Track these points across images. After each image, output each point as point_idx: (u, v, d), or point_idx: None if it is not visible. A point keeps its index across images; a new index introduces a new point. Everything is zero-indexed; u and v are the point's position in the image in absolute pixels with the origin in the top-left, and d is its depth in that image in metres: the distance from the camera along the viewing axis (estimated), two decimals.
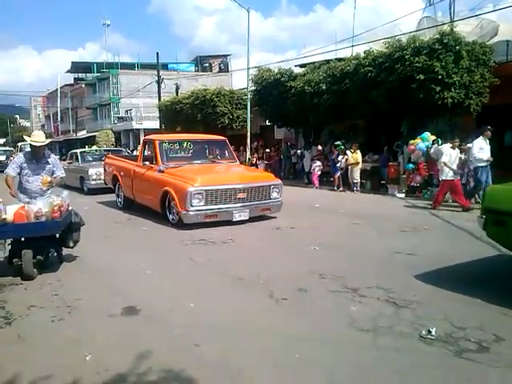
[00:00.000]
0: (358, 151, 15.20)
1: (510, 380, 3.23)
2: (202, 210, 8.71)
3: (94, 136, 42.21)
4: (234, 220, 8.94)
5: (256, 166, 19.84)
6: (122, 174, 11.61)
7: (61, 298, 4.96)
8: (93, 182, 15.23)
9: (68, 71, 60.26)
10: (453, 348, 3.64)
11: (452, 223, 9.04)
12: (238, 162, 11.24)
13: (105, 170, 13.18)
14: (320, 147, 18.09)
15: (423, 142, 13.04)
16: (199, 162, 10.30)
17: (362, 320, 4.23)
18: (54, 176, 6.42)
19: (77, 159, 17.27)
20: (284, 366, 3.46)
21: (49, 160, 6.45)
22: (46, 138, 6.57)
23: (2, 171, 27.37)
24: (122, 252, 7.27)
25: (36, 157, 6.33)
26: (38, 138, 6.29)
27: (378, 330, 4.00)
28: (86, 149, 21.73)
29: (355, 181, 15.09)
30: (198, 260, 6.58)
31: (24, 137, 6.85)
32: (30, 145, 6.30)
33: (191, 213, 8.61)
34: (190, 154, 10.56)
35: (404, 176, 13.98)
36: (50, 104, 66.97)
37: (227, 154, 11.01)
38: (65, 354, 3.68)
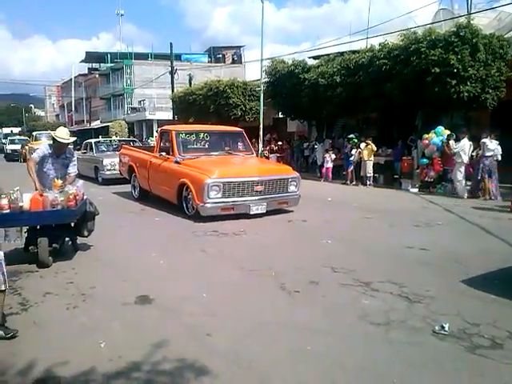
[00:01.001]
0: (372, 144, 15.05)
1: None
2: (218, 203, 8.65)
3: (108, 126, 42.45)
4: (251, 213, 8.85)
5: (268, 158, 19.80)
6: (137, 164, 11.63)
7: (75, 286, 5.03)
8: (107, 173, 15.21)
9: (82, 61, 60.58)
10: (466, 344, 3.63)
11: (466, 219, 8.96)
12: (254, 155, 11.19)
13: (120, 160, 13.19)
14: (330, 140, 18.07)
15: (437, 136, 12.91)
16: (216, 153, 10.21)
17: (374, 314, 4.23)
18: (69, 172, 6.44)
19: (91, 149, 17.25)
20: (295, 357, 3.48)
21: (68, 156, 6.47)
22: (71, 135, 6.55)
23: (18, 160, 27.80)
24: (135, 242, 7.34)
25: (57, 152, 6.36)
26: (64, 135, 6.27)
27: (391, 324, 4.00)
28: (101, 139, 21.78)
29: (368, 175, 14.99)
30: (210, 251, 6.61)
31: (50, 132, 6.83)
32: (54, 139, 6.29)
33: (208, 205, 8.57)
34: (206, 146, 10.46)
35: (418, 171, 13.86)
36: (65, 94, 67.41)
37: (244, 146, 10.92)
38: (79, 340, 3.74)
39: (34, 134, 32.25)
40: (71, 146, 6.83)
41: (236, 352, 3.54)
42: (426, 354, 3.51)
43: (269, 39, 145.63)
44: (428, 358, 3.44)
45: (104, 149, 17.38)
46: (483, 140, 11.67)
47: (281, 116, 23.21)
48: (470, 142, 12.33)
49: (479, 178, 11.70)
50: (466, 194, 11.91)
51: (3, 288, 3.76)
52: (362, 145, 15.17)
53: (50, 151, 6.31)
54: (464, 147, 11.97)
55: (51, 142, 6.47)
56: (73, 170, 6.51)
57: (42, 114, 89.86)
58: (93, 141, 18.54)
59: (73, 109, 62.45)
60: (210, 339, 3.76)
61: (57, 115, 78.13)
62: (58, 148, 6.31)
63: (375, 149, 15.02)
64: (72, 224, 6.35)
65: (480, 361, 3.39)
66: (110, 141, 19.75)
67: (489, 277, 5.28)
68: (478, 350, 3.53)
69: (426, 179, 13.28)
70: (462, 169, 11.96)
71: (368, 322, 4.07)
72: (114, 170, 14.59)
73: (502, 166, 11.82)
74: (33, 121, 75.60)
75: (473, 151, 12.27)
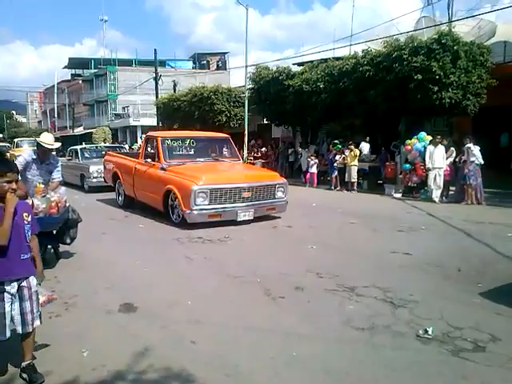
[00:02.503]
0: (355, 149, 15.16)
1: (506, 379, 3.25)
2: (205, 210, 8.55)
3: (91, 133, 42.13)
4: (239, 220, 8.79)
5: (253, 164, 19.81)
6: (122, 171, 11.48)
7: (58, 295, 4.92)
8: (94, 180, 14.83)
9: (65, 67, 60.05)
10: (449, 347, 3.66)
11: (449, 223, 9.07)
12: (241, 161, 11.13)
13: (105, 167, 12.99)
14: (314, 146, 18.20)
15: (419, 142, 13.07)
16: (202, 159, 10.13)
17: (358, 319, 4.25)
18: (53, 178, 6.35)
19: (77, 156, 16.73)
20: (280, 363, 3.47)
21: (52, 161, 6.39)
22: (56, 141, 6.48)
23: None
24: (118, 249, 7.27)
25: (42, 157, 6.28)
26: (49, 140, 6.20)
27: (375, 329, 4.02)
28: (86, 145, 21.42)
29: (353, 180, 15.10)
30: (195, 258, 6.58)
31: (36, 139, 6.74)
32: (39, 145, 6.20)
33: (195, 212, 8.48)
34: (192, 152, 10.37)
35: (401, 176, 13.99)
36: (47, 100, 66.74)
37: (230, 152, 10.86)
38: (62, 350, 3.68)
39: (16, 140, 31.83)
40: (54, 153, 6.75)
41: (221, 359, 3.53)
42: (410, 357, 3.53)
43: (253, 46, 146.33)
44: (412, 362, 3.46)
45: (90, 155, 16.87)
46: (468, 145, 11.77)
47: (265, 122, 23.29)
48: (453, 148, 12.51)
49: (465, 182, 11.78)
50: (438, 199, 12.08)
51: (30, 330, 3.24)
52: (347, 151, 15.27)
53: (33, 157, 6.23)
54: (434, 153, 12.11)
55: (35, 148, 6.39)
56: (57, 176, 6.42)
57: (24, 120, 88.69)
58: (78, 147, 18.01)
59: (55, 115, 61.84)
60: (195, 346, 3.74)
61: (39, 121, 77.20)
62: (42, 154, 6.24)
63: (358, 153, 15.15)
64: (54, 231, 6.27)
65: (463, 364, 3.42)
66: (97, 147, 19.42)
67: (470, 280, 5.35)
68: (461, 354, 3.56)
69: (410, 184, 13.42)
70: (432, 174, 12.10)
71: (353, 327, 4.09)
72: (101, 177, 14.29)
73: (483, 171, 11.99)
74: (14, 127, 74.57)
75: (456, 157, 12.43)
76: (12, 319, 3.16)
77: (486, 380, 3.21)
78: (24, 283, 3.18)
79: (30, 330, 3.25)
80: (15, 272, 3.12)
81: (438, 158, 12.17)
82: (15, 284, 3.12)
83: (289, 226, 8.92)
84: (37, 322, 3.28)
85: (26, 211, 3.22)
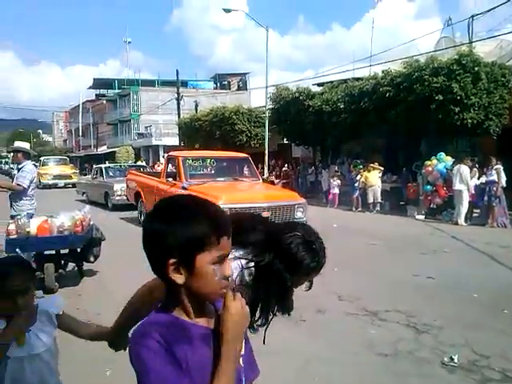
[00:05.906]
0: (375, 171, 15.08)
1: None
2: None
3: (115, 151, 42.83)
4: None
5: (273, 184, 19.84)
6: (144, 190, 11.67)
7: (83, 312, 5.00)
8: (117, 198, 15.02)
9: (90, 87, 61.58)
10: (476, 377, 3.57)
11: (473, 246, 8.90)
12: (260, 180, 11.22)
13: (127, 185, 13.24)
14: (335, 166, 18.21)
15: (440, 162, 12.87)
16: (222, 179, 10.26)
17: (381, 344, 4.18)
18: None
19: (101, 174, 17.14)
20: None
21: (20, 167, 6.38)
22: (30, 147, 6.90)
23: None
24: (140, 269, 7.24)
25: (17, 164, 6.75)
26: (17, 143, 6.76)
27: (398, 355, 3.95)
28: (110, 164, 21.89)
29: (376, 201, 14.96)
30: None
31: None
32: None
33: None
34: (212, 172, 10.56)
35: (422, 197, 13.81)
36: (72, 119, 68.31)
37: (250, 172, 10.99)
38: (91, 370, 3.71)
39: (42, 158, 32.59)
40: (28, 166, 6.34)
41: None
42: None
43: (273, 66, 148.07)
44: None
45: (114, 174, 17.21)
46: (498, 166, 11.50)
47: (285, 142, 23.38)
48: (475, 169, 12.29)
49: (493, 204, 11.51)
50: (463, 222, 11.82)
51: None
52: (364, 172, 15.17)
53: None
54: (462, 174, 11.87)
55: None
56: (17, 180, 6.23)
57: (50, 139, 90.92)
58: (103, 166, 18.51)
59: (80, 134, 63.19)
60: None
61: (64, 140, 79.00)
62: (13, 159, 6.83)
63: (382, 168, 15.08)
64: (78, 249, 6.37)
65: None
66: (120, 166, 19.80)
67: (496, 306, 5.23)
68: None
69: (432, 206, 13.23)
70: (462, 195, 11.88)
71: (375, 352, 4.03)
72: (125, 195, 14.52)
73: (507, 193, 11.73)
74: (40, 146, 76.41)
75: (478, 178, 12.21)
76: None
77: None
78: None
79: None
80: None
81: (457, 180, 11.94)
82: None
83: None
84: None
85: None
